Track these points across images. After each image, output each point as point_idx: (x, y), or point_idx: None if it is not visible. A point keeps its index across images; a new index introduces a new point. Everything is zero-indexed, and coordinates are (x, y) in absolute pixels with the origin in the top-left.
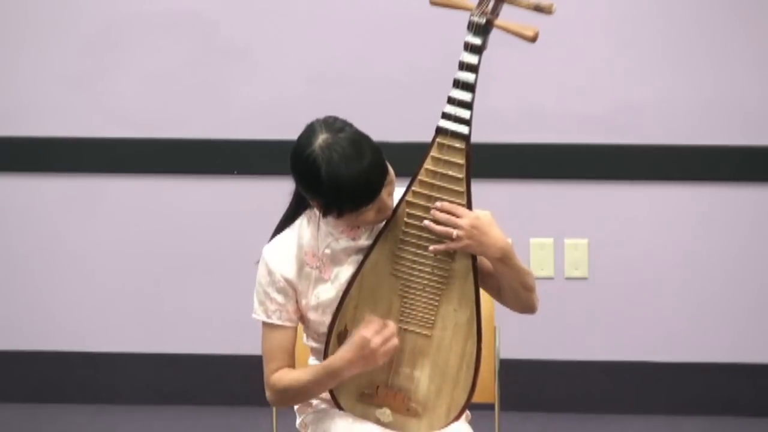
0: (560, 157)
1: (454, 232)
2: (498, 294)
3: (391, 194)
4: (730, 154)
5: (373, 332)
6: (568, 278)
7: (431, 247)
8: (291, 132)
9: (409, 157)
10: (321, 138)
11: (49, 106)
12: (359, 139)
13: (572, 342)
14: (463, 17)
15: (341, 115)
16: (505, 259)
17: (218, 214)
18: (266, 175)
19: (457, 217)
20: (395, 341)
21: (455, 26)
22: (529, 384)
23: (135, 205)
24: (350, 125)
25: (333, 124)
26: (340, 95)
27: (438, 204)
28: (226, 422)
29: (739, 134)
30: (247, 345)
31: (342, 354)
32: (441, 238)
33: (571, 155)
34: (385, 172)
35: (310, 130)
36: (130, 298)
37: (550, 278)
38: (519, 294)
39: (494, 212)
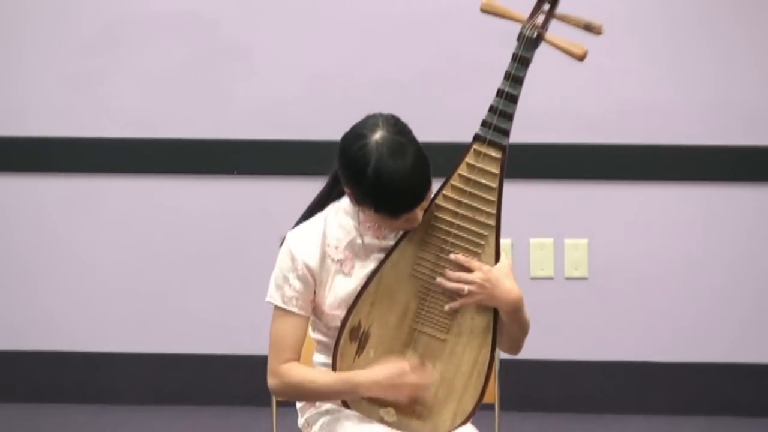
0: (560, 157)
1: (465, 288)
2: None
3: (423, 208)
4: (730, 154)
5: (414, 369)
6: (568, 278)
7: (446, 307)
8: (291, 132)
9: None
10: (379, 134)
11: (49, 106)
12: (412, 146)
13: (572, 342)
14: (465, 19)
15: (341, 115)
16: (514, 313)
17: (218, 214)
18: (266, 175)
19: (470, 270)
20: (429, 389)
21: (456, 27)
22: (529, 384)
23: (135, 205)
24: (410, 131)
25: (395, 125)
26: (340, 95)
27: (452, 256)
28: (226, 422)
29: (739, 134)
30: (247, 345)
31: (372, 371)
32: (452, 293)
33: (571, 155)
34: (429, 185)
35: (371, 123)
36: (130, 298)
37: (550, 278)
38: (512, 339)
39: None
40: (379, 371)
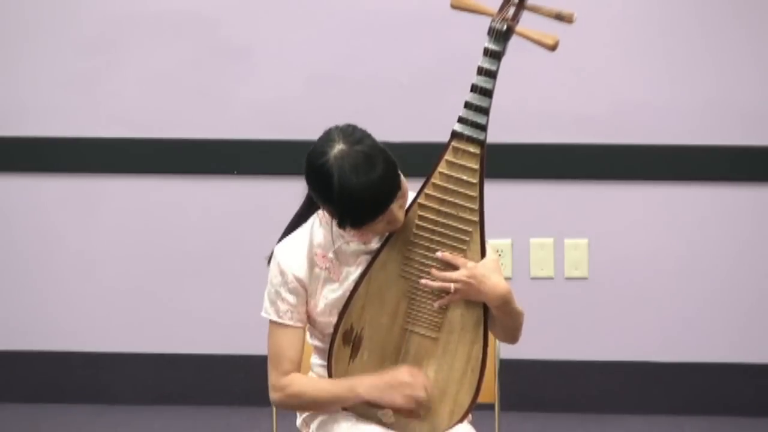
0: (560, 157)
1: (452, 286)
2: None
3: (402, 207)
4: (730, 154)
5: (410, 374)
6: (568, 278)
7: (435, 304)
8: (291, 132)
9: (409, 157)
10: (337, 148)
11: (49, 107)
12: (374, 153)
13: (572, 342)
14: (465, 18)
15: (341, 115)
16: (503, 306)
17: (218, 214)
18: (266, 175)
19: (456, 268)
20: (421, 394)
21: (455, 26)
22: (529, 384)
23: (135, 205)
24: (368, 136)
25: (351, 135)
26: (340, 95)
27: (438, 254)
28: (226, 422)
29: (739, 134)
30: (247, 345)
31: (370, 376)
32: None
33: (571, 155)
34: (397, 187)
35: (328, 139)
36: (130, 298)
37: (550, 278)
38: (507, 330)
39: (495, 212)
40: (377, 376)
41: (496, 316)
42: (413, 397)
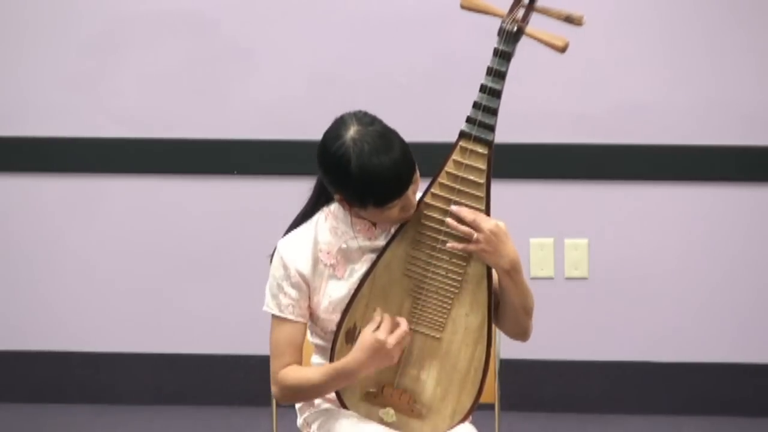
0: (560, 157)
1: (475, 235)
2: (496, 314)
3: (415, 192)
4: (730, 154)
5: (386, 332)
6: (568, 278)
7: (449, 244)
8: (291, 132)
9: None
10: (352, 130)
11: (49, 106)
12: (389, 134)
13: (572, 342)
14: (465, 19)
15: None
16: (513, 272)
17: (218, 214)
18: (266, 175)
19: (478, 221)
20: (408, 338)
21: (456, 27)
22: (529, 384)
23: (135, 205)
24: (379, 120)
25: (363, 118)
26: (340, 95)
27: (453, 207)
28: (226, 422)
29: (739, 134)
30: (248, 345)
31: (355, 355)
32: (461, 237)
33: (571, 155)
34: (414, 167)
35: (341, 123)
36: (130, 298)
37: (550, 278)
38: (518, 315)
39: (495, 212)
40: (359, 352)
41: (505, 288)
42: (404, 346)
